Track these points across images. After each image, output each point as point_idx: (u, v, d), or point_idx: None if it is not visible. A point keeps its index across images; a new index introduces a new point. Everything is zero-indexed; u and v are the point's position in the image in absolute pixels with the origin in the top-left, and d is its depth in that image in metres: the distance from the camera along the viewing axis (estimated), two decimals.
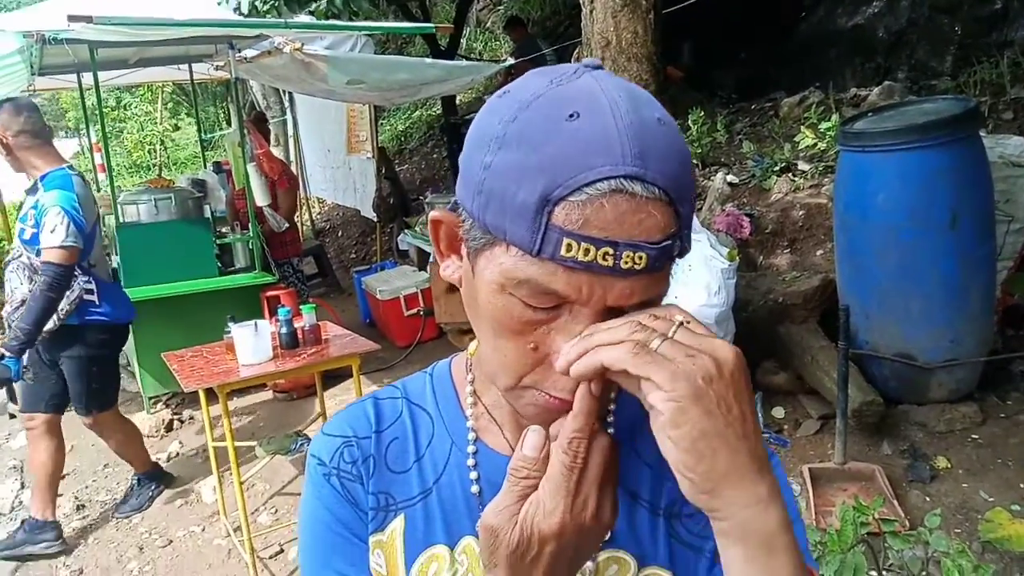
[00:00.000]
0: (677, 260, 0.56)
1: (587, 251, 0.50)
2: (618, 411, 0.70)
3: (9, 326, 3.16)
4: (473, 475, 0.70)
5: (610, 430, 0.69)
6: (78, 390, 3.32)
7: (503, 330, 0.57)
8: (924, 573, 2.26)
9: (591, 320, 0.54)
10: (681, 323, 0.51)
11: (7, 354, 3.01)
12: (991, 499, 2.75)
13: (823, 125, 4.95)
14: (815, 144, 4.95)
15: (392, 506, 0.71)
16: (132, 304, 3.59)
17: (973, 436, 3.09)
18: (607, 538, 0.67)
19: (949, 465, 2.95)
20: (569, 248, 0.50)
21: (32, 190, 3.20)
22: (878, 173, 3.09)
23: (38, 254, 3.09)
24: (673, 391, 0.48)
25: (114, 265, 4.90)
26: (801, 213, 4.59)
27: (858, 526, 2.03)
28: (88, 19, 3.37)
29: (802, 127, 5.13)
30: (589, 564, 0.67)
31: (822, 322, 3.62)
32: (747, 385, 0.51)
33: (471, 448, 0.71)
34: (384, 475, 0.72)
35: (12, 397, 3.33)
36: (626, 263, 0.51)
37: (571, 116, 0.52)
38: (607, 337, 0.51)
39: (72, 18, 3.37)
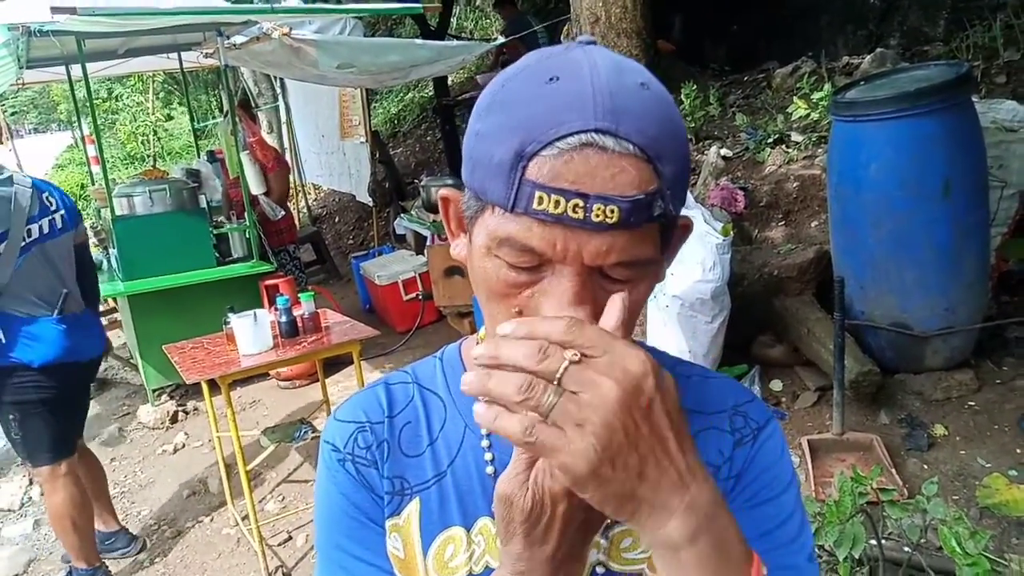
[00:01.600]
0: (684, 241, 0.57)
1: (557, 203, 0.52)
2: None
3: None
4: (488, 456, 0.72)
5: None
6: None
7: (492, 294, 0.59)
8: (923, 540, 2.30)
9: (573, 281, 0.54)
10: (568, 362, 0.47)
11: None
12: (988, 465, 2.78)
13: (816, 95, 4.92)
14: (808, 115, 4.93)
15: (407, 490, 0.72)
16: (80, 339, 2.91)
17: (969, 403, 3.11)
18: None
19: (946, 432, 2.98)
20: (540, 201, 0.52)
21: None
22: (870, 142, 3.09)
23: None
24: (570, 474, 0.47)
25: (112, 260, 4.92)
26: (795, 185, 4.59)
27: (856, 496, 2.05)
28: (72, 10, 3.34)
29: (795, 98, 5.11)
30: (603, 542, 0.69)
31: (817, 294, 3.63)
32: (647, 423, 0.48)
33: (484, 430, 0.71)
34: (398, 459, 0.73)
35: None
36: (597, 216, 0.52)
37: (551, 80, 0.54)
38: (495, 388, 0.48)
39: (56, 10, 3.34)
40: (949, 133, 2.95)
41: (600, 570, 0.69)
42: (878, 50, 5.32)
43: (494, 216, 0.56)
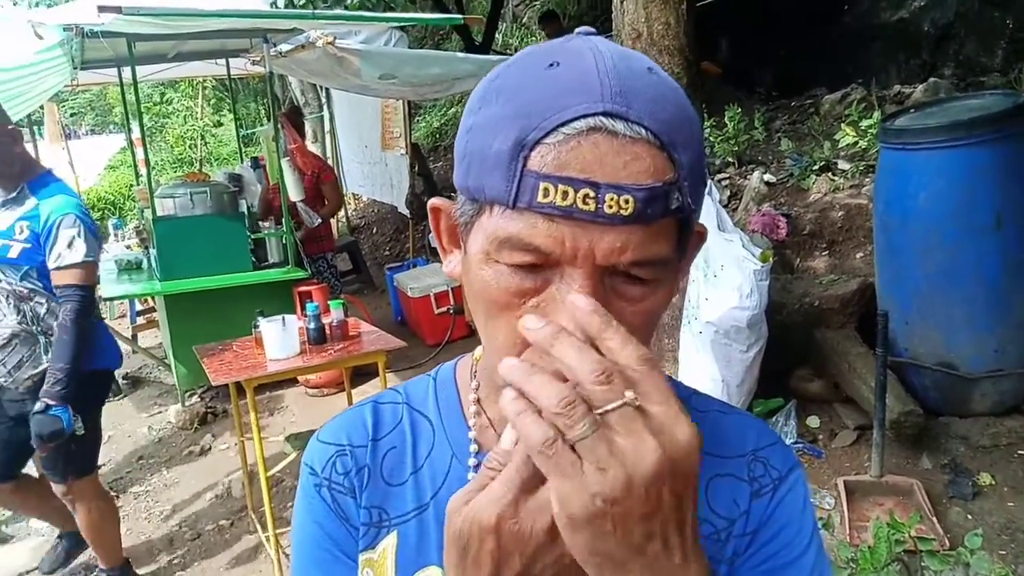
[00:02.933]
0: (704, 256, 0.52)
1: (565, 194, 0.46)
2: None
3: None
4: None
5: None
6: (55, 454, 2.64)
7: (492, 307, 0.53)
8: None
9: (584, 285, 0.48)
10: (625, 404, 0.42)
11: (52, 403, 2.47)
12: None
13: (864, 123, 4.80)
14: (856, 142, 4.81)
15: (385, 522, 0.67)
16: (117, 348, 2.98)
17: (1019, 452, 2.95)
18: None
19: (993, 482, 2.83)
20: (546, 192, 0.47)
21: (13, 200, 2.59)
22: (920, 172, 2.98)
23: (25, 276, 2.58)
24: (566, 508, 0.42)
25: (152, 258, 4.99)
26: (840, 214, 4.46)
27: (893, 544, 1.95)
28: (117, 10, 3.40)
29: (843, 125, 4.99)
30: None
31: (860, 328, 3.50)
32: (674, 498, 0.43)
33: (472, 461, 0.66)
34: (379, 488, 0.67)
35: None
36: (610, 207, 0.46)
37: (551, 65, 0.50)
38: (532, 390, 0.43)
39: (102, 9, 3.40)
40: (1002, 164, 2.83)
41: None
42: (931, 80, 5.19)
43: (493, 216, 0.50)
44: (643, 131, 0.47)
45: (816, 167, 4.85)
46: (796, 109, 6.01)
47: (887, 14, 6.07)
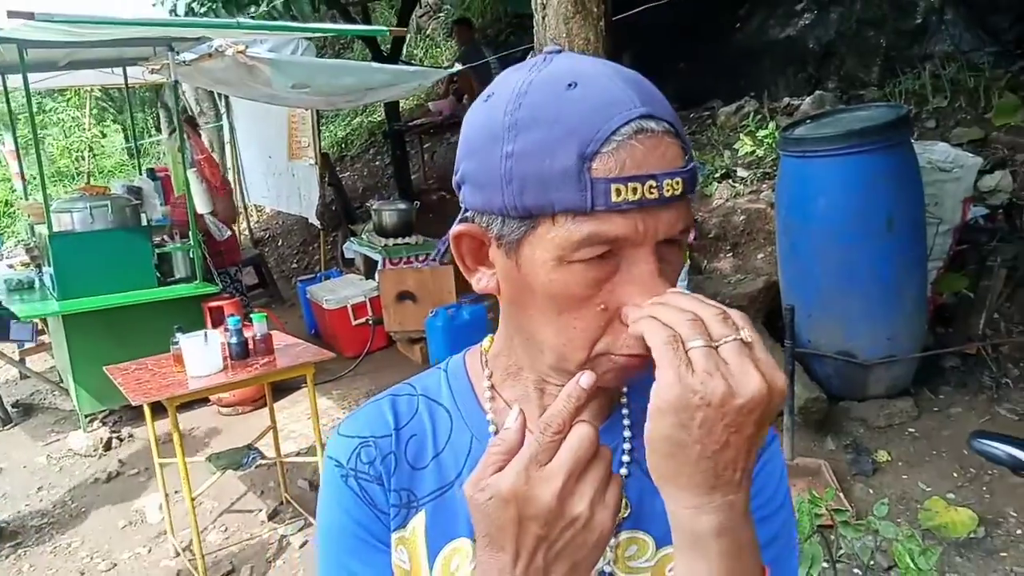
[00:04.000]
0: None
1: (635, 190, 0.55)
2: (635, 395, 0.72)
3: None
4: None
5: (625, 410, 0.72)
6: None
7: (569, 302, 0.59)
8: (872, 561, 2.37)
9: (651, 259, 0.57)
10: (739, 340, 0.51)
11: None
12: (928, 489, 2.89)
13: (760, 133, 5.12)
14: (753, 151, 5.13)
15: (414, 503, 0.72)
16: None
17: (910, 429, 3.24)
18: (618, 530, 0.68)
19: (889, 458, 3.09)
20: (619, 192, 0.55)
21: None
22: (818, 177, 3.22)
23: None
24: (663, 393, 0.50)
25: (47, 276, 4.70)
26: (742, 218, 4.74)
27: (813, 517, 2.11)
28: (29, 15, 3.19)
29: (740, 135, 5.30)
30: (611, 541, 0.68)
31: (766, 323, 3.74)
32: (754, 428, 0.51)
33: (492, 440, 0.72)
34: (405, 472, 0.72)
35: None
36: (668, 191, 0.56)
37: (569, 86, 0.57)
38: (662, 314, 0.53)
39: (12, 14, 3.18)
40: (892, 171, 3.11)
41: (607, 574, 0.69)
42: (817, 92, 5.58)
43: (561, 225, 0.56)
44: (667, 124, 0.57)
45: (717, 175, 5.13)
46: (695, 120, 6.33)
47: (776, 31, 6.50)
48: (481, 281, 0.66)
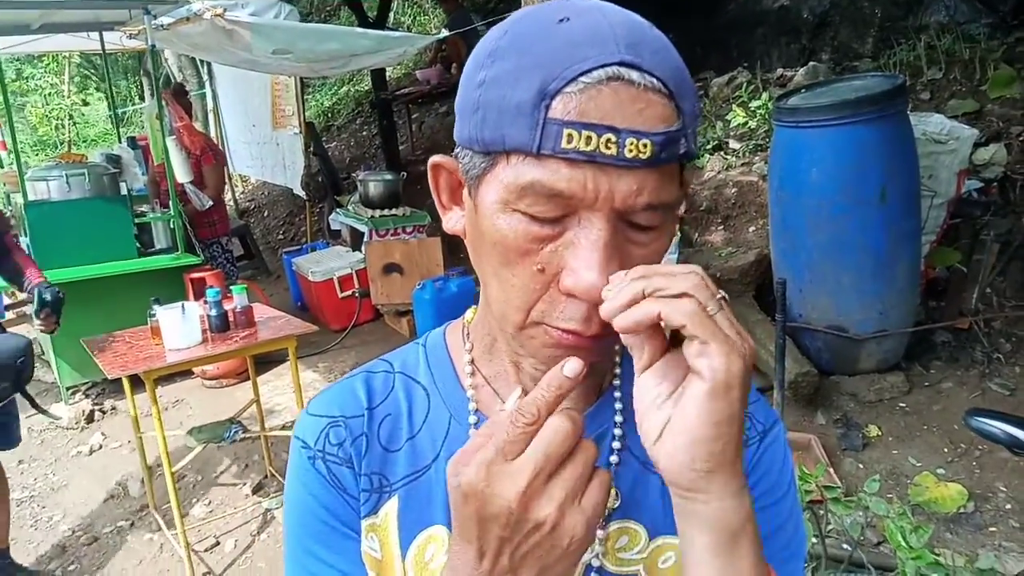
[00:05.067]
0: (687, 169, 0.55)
1: (588, 139, 0.48)
2: (629, 375, 0.66)
3: None
4: None
5: (616, 393, 0.67)
6: None
7: (508, 254, 0.54)
8: (861, 538, 2.35)
9: (603, 228, 0.51)
10: (722, 298, 0.48)
11: None
12: (919, 464, 2.87)
13: (753, 104, 5.05)
14: (745, 123, 5.05)
15: (386, 487, 0.66)
16: None
17: (900, 404, 3.22)
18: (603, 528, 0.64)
19: (879, 433, 3.07)
20: (570, 139, 0.48)
21: None
22: (811, 148, 3.16)
23: None
24: (728, 365, 0.47)
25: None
26: (734, 191, 4.68)
27: (804, 494, 2.08)
28: None
29: (733, 106, 5.22)
30: (599, 536, 0.64)
31: (757, 296, 3.70)
32: (745, 390, 0.50)
33: (472, 419, 0.66)
34: (377, 454, 0.67)
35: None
36: (630, 151, 0.49)
37: (561, 20, 0.51)
38: (664, 283, 0.47)
39: None
40: (886, 141, 3.05)
41: (595, 567, 0.64)
42: (811, 63, 5.49)
43: (512, 165, 0.51)
44: (655, 80, 0.50)
45: (709, 146, 5.06)
46: None
47: (769, 1, 6.39)
48: (451, 220, 0.61)
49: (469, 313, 0.71)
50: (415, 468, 0.66)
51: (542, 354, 0.56)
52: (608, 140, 0.48)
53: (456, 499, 0.47)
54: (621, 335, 0.50)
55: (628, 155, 0.48)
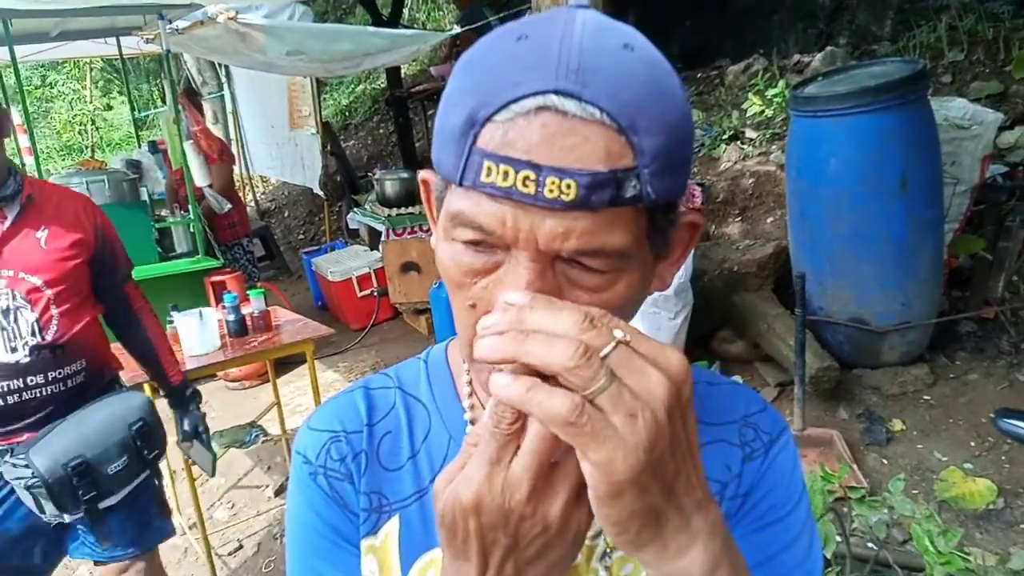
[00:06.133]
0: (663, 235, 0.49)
1: (506, 174, 0.45)
2: None
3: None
4: None
5: None
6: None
7: (450, 284, 0.52)
8: (886, 536, 2.31)
9: (528, 268, 0.46)
10: (619, 342, 0.40)
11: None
12: (945, 459, 2.81)
13: (770, 92, 4.97)
14: (762, 111, 4.97)
15: (386, 507, 0.65)
16: None
17: (925, 397, 3.16)
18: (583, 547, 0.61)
19: (903, 427, 3.01)
20: (488, 172, 0.45)
21: None
22: (830, 137, 3.10)
23: None
24: (610, 474, 0.39)
25: None
26: (751, 181, 4.61)
27: (826, 495, 2.04)
28: None
29: (749, 94, 5.14)
30: (601, 571, 0.62)
31: (775, 289, 3.65)
32: (684, 418, 0.42)
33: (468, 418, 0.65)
34: (377, 473, 0.66)
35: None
36: (551, 191, 0.44)
37: (520, 38, 0.47)
38: (538, 349, 0.39)
39: None
40: (907, 128, 2.98)
41: None
42: (828, 48, 5.39)
43: (452, 192, 0.49)
44: (598, 112, 0.44)
45: (725, 136, 4.99)
46: (702, 80, 6.15)
47: None
48: (435, 236, 0.57)
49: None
50: (415, 488, 0.65)
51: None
52: (526, 177, 0.44)
53: (451, 518, 0.44)
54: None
55: (548, 195, 0.44)
